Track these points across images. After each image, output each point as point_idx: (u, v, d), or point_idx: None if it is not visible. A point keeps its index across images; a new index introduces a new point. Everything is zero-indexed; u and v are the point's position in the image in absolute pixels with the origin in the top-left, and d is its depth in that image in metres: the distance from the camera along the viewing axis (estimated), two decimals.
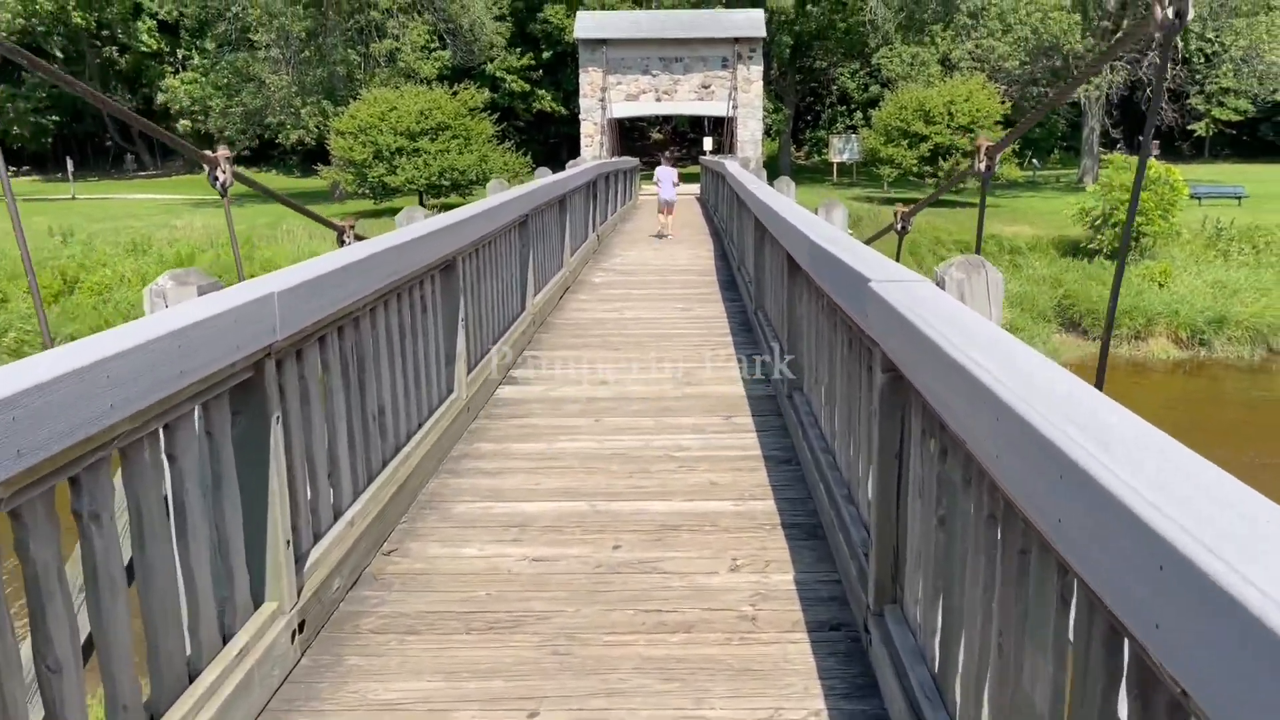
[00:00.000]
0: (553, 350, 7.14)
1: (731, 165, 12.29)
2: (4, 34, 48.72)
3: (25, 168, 61.42)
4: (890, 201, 34.53)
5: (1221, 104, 47.88)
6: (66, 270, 25.49)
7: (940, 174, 33.38)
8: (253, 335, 2.64)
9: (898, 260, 5.93)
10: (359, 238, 5.17)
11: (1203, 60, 40.67)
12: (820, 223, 4.55)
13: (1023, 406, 1.47)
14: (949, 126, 32.88)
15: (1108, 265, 25.73)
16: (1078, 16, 36.24)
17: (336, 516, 3.45)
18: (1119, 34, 39.34)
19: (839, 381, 3.79)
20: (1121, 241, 3.05)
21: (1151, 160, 27.37)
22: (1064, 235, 28.17)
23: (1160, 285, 24.29)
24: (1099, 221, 26.17)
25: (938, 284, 2.82)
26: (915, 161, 33.35)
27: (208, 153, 4.53)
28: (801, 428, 4.56)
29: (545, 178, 9.31)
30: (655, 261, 12.43)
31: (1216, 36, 36.65)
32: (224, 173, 4.51)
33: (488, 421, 5.35)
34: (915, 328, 2.25)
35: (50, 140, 57.86)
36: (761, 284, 7.40)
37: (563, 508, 4.07)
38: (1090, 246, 26.48)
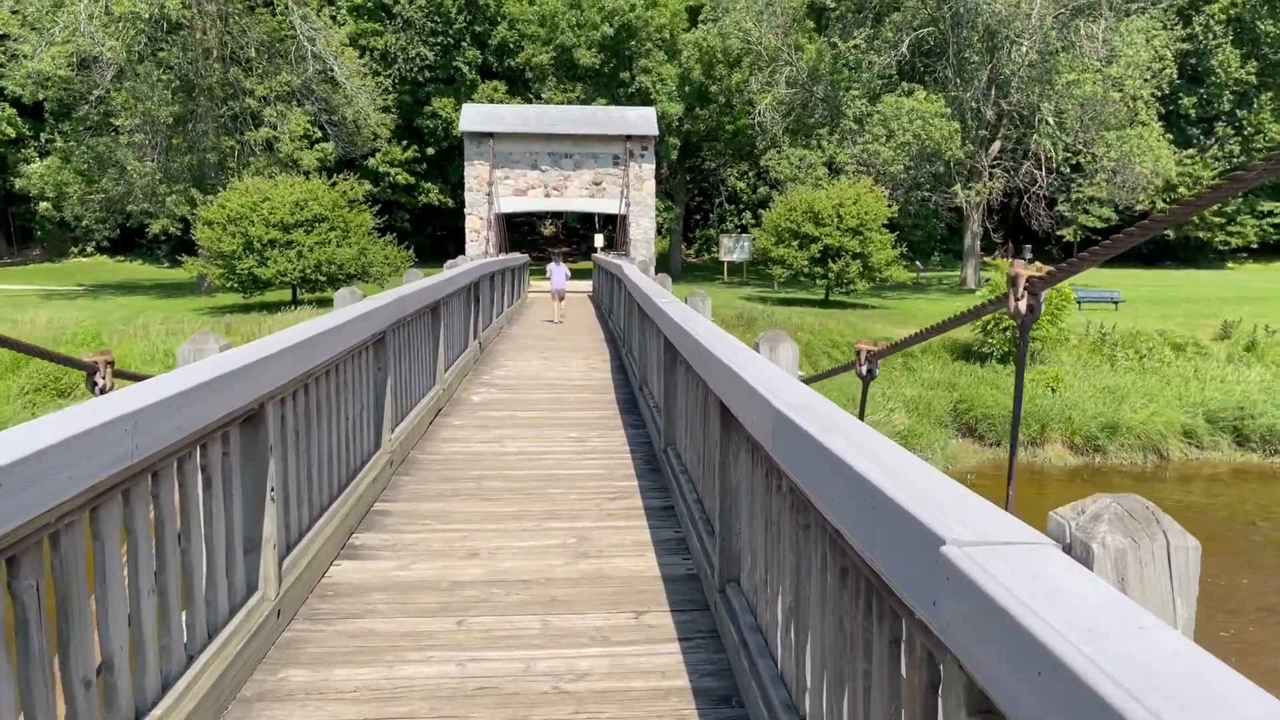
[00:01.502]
0: (412, 502, 5.68)
1: (630, 270, 11.11)
2: None
3: None
4: (786, 303, 34.26)
5: (1088, 211, 49.99)
6: None
7: (830, 274, 33.30)
8: None
9: (863, 415, 4.75)
10: (121, 377, 3.73)
11: (1069, 169, 42.36)
12: (766, 368, 3.32)
13: None
14: (838, 228, 32.93)
15: (999, 369, 25.70)
16: (957, 125, 37.25)
17: None
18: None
19: (817, 616, 2.51)
20: None
21: (1036, 264, 27.70)
22: (954, 338, 28.10)
23: (1053, 390, 24.20)
24: (989, 325, 26.13)
25: (1068, 548, 1.58)
26: (806, 262, 33.21)
27: None
28: (745, 651, 3.25)
29: (413, 283, 7.95)
30: (545, 374, 11.06)
31: (1087, 147, 38.15)
32: None
33: (307, 628, 3.86)
34: (1083, 683, 1.01)
35: None
36: (673, 417, 6.15)
37: None
38: (981, 350, 26.42)
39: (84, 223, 41.89)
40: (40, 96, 38.90)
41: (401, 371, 6.83)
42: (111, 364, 3.69)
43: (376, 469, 5.74)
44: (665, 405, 6.23)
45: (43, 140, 49.58)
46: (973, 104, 39.49)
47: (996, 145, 41.07)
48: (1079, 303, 31.16)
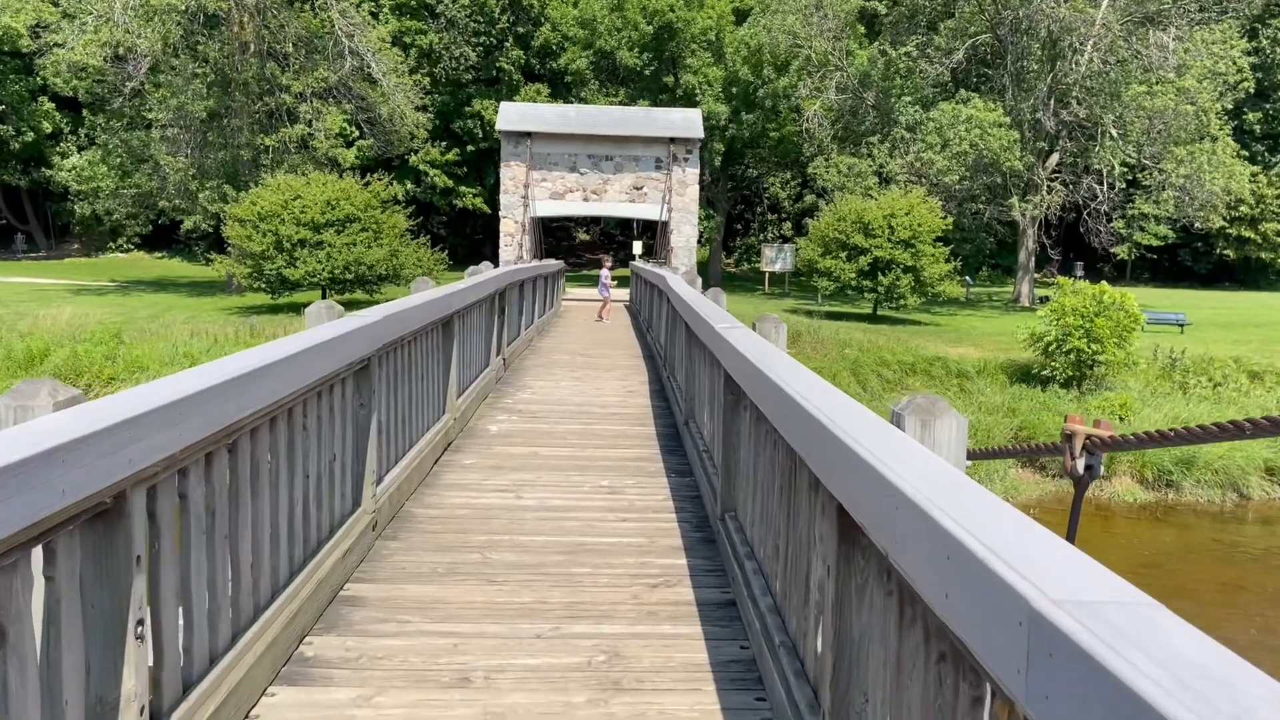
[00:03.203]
0: (394, 583, 4.36)
1: (675, 282, 9.70)
2: None
3: None
4: (831, 316, 32.69)
5: (1143, 229, 47.92)
6: None
7: (880, 288, 31.72)
8: None
9: (1073, 537, 3.40)
10: None
11: (1125, 185, 40.43)
12: (930, 466, 1.97)
13: None
14: (889, 240, 31.38)
15: (1062, 394, 24.10)
16: (1016, 134, 35.53)
17: None
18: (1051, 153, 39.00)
19: None
20: None
21: (1103, 284, 26.03)
22: (1012, 359, 26.50)
23: (1120, 419, 22.53)
24: (1052, 347, 24.49)
25: None
26: (854, 275, 31.69)
27: None
28: None
29: (418, 294, 6.66)
30: (576, 398, 9.70)
31: (1154, 162, 36.27)
32: None
33: None
34: None
35: None
36: (733, 475, 4.80)
37: None
38: (1043, 374, 24.74)
39: (115, 217, 41.31)
40: (74, 88, 38.36)
41: (396, 406, 5.54)
42: None
43: (352, 536, 4.44)
44: (723, 459, 4.88)
45: (81, 135, 49.23)
46: (1031, 114, 37.71)
47: (1055, 158, 39.26)
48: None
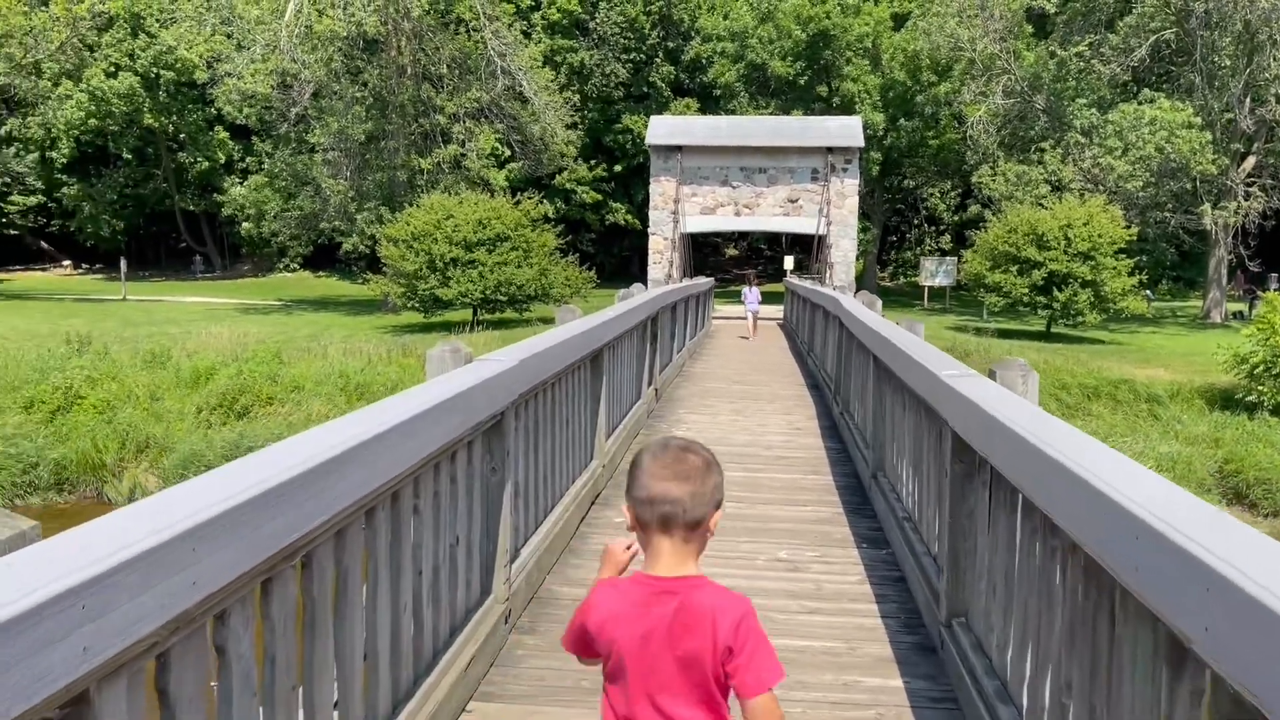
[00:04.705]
0: (529, 705, 3.33)
1: (853, 304, 8.31)
2: (77, 132, 48.44)
3: (98, 265, 61.40)
4: (1004, 334, 30.52)
5: None
6: (71, 383, 22.74)
7: (1055, 304, 29.39)
8: None
9: None
10: None
11: None
12: None
13: None
14: (1065, 253, 29.06)
15: (1273, 422, 21.45)
16: (1208, 135, 32.47)
17: None
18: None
19: None
20: None
21: None
22: (1209, 382, 23.92)
23: None
24: (1259, 370, 21.89)
25: None
26: (1026, 290, 29.48)
27: None
28: None
29: (564, 326, 5.75)
30: (736, 436, 8.66)
31: None
32: None
33: None
34: None
35: (124, 239, 58.02)
36: (961, 568, 3.67)
37: None
38: (1247, 399, 22.12)
39: (279, 239, 42.95)
40: (246, 115, 40.08)
41: (536, 462, 4.65)
42: None
43: (479, 638, 3.55)
44: (950, 546, 3.75)
45: (249, 161, 51.67)
46: (1223, 114, 34.47)
47: (1251, 160, 35.78)
48: None
